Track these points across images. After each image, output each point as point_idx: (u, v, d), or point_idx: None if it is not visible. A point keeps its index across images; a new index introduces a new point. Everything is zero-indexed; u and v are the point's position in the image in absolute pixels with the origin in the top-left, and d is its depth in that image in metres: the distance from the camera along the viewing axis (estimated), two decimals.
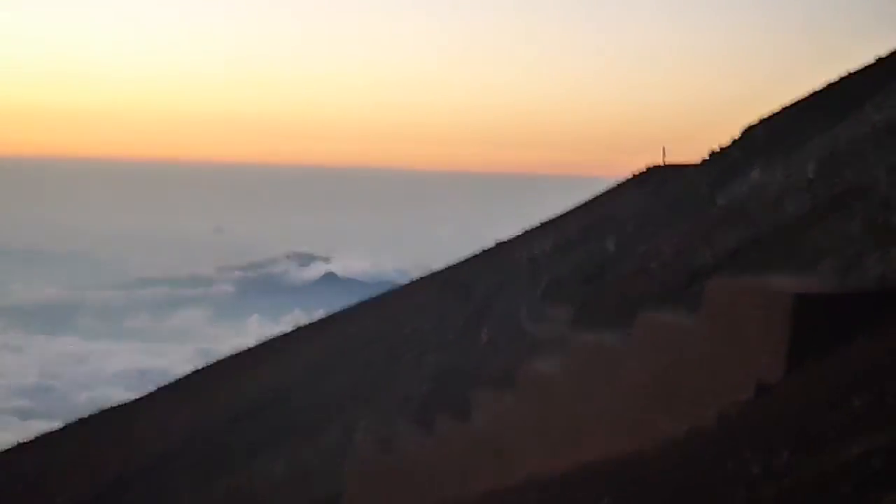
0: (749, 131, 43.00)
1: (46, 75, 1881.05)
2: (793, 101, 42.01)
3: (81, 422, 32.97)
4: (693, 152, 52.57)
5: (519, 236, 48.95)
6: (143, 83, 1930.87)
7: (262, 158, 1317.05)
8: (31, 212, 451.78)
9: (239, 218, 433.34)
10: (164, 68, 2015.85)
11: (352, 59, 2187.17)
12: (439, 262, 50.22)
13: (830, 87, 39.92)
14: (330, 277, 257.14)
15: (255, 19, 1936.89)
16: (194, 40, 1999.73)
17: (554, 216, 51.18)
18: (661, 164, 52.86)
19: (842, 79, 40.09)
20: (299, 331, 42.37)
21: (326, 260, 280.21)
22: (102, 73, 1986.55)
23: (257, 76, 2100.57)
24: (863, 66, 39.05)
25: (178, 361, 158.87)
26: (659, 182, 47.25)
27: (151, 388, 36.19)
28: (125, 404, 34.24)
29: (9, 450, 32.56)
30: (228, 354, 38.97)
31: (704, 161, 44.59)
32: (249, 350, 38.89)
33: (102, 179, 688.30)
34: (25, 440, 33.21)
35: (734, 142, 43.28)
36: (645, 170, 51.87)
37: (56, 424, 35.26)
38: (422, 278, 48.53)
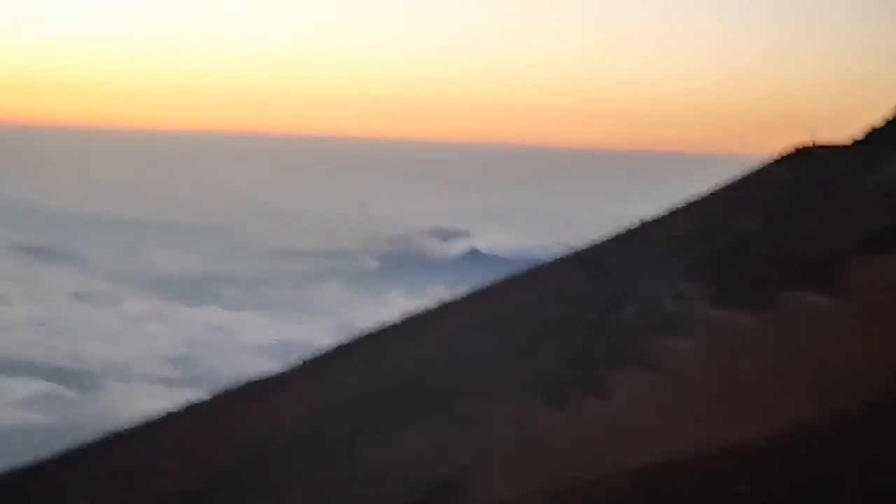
0: None
1: (201, 53, 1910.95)
2: None
3: (225, 392, 33.64)
4: (841, 133, 51.60)
5: (661, 215, 48.54)
6: (301, 62, 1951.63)
7: (408, 135, 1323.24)
8: (179, 185, 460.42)
9: (384, 194, 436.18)
10: (328, 47, 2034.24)
11: (500, 39, 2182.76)
12: (581, 239, 50.07)
13: None
14: (473, 254, 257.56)
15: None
16: (350, 18, 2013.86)
17: (697, 195, 50.64)
18: (810, 144, 51.92)
19: None
20: (441, 307, 42.64)
21: (469, 236, 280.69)
22: (258, 52, 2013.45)
23: (411, 55, 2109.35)
24: None
25: (320, 334, 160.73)
26: (806, 163, 46.45)
27: (292, 359, 36.75)
28: (267, 376, 34.86)
29: (158, 418, 33.34)
30: (369, 329, 39.40)
31: (854, 143, 43.70)
32: (390, 325, 39.24)
33: (250, 154, 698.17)
34: (173, 408, 33.99)
35: (886, 124, 42.34)
36: (793, 150, 50.99)
37: (200, 393, 36.06)
38: (563, 256, 48.38)
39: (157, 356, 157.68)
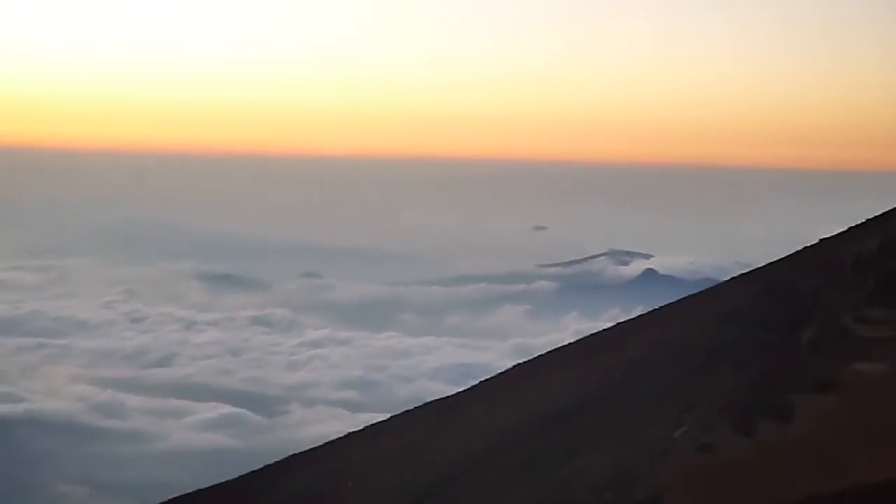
0: None
1: (370, 80, 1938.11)
2: None
3: (406, 415, 33.89)
4: None
5: (842, 234, 47.40)
6: (466, 84, 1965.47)
7: (576, 156, 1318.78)
8: (355, 210, 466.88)
9: (558, 216, 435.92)
10: (493, 69, 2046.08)
11: (633, 57, 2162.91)
12: (758, 259, 49.30)
13: None
14: (649, 274, 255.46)
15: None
16: (511, 39, 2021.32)
17: (880, 213, 49.32)
18: None
19: None
20: (618, 328, 42.33)
21: (646, 257, 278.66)
22: (421, 76, 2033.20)
23: (576, 76, 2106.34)
24: None
25: (498, 357, 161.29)
26: None
27: (471, 383, 36.90)
28: (447, 398, 35.00)
29: (340, 439, 33.75)
30: (547, 351, 39.31)
31: None
32: (568, 347, 39.11)
33: (436, 179, 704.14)
34: (355, 430, 34.35)
35: None
36: None
37: (381, 417, 36.37)
38: (741, 276, 47.63)
39: (338, 381, 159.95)
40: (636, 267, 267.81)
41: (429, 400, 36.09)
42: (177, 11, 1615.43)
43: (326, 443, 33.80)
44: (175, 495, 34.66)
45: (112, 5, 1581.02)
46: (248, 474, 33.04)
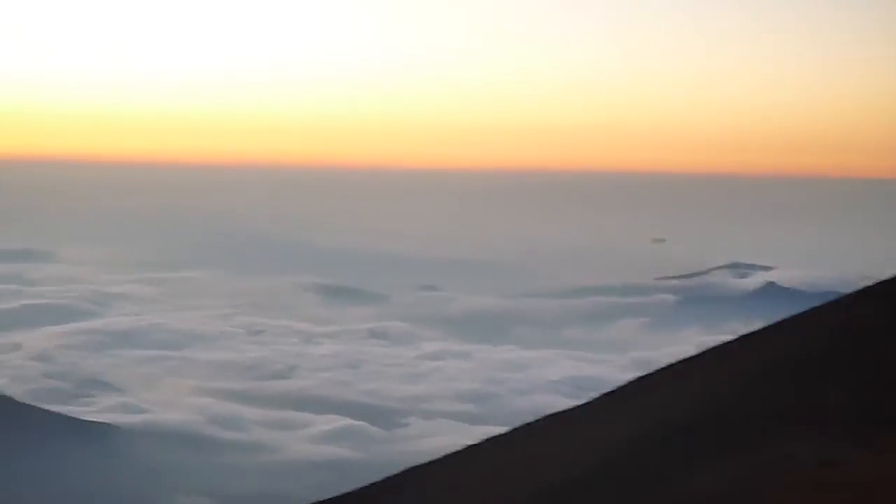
0: None
1: (485, 92, 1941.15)
2: None
3: (523, 428, 33.77)
4: None
5: None
6: (578, 96, 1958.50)
7: (693, 167, 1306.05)
8: (470, 223, 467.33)
9: (677, 228, 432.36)
10: (603, 82, 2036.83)
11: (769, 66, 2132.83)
12: (882, 272, 48.50)
13: None
14: (770, 288, 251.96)
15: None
16: (619, 51, 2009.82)
17: None
18: None
19: None
20: (738, 341, 41.82)
21: (766, 269, 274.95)
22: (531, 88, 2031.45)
23: (662, 85, 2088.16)
24: None
25: (615, 370, 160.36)
26: None
27: (589, 396, 36.74)
28: (564, 412, 34.86)
29: (458, 452, 33.73)
30: (666, 364, 38.98)
31: None
32: (687, 360, 38.73)
33: (550, 191, 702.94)
34: (473, 443, 34.34)
35: None
36: None
37: (499, 429, 36.35)
38: (864, 289, 46.75)
39: (455, 393, 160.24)
40: (756, 279, 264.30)
41: (546, 413, 35.97)
42: (284, 25, 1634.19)
43: (444, 456, 33.84)
44: None
45: (224, 23, 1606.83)
46: (366, 487, 33.17)
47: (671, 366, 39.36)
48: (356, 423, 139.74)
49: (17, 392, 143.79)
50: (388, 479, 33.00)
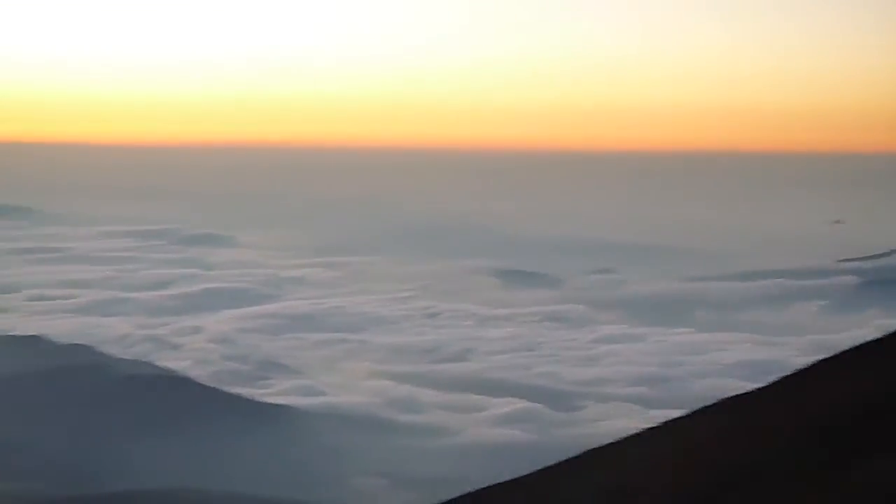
0: None
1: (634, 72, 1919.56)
2: None
3: (700, 412, 33.38)
4: None
5: None
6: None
7: (864, 147, 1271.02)
8: (641, 206, 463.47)
9: (857, 209, 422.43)
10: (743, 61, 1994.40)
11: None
12: None
13: None
14: None
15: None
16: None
17: None
18: None
19: None
20: None
21: None
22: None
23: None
24: None
25: (794, 354, 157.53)
26: None
27: (767, 380, 36.09)
28: (742, 395, 34.34)
29: (634, 435, 33.54)
30: (848, 348, 38.15)
31: None
32: (870, 344, 37.80)
33: (715, 173, 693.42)
34: (649, 426, 34.09)
35: None
36: None
37: (676, 413, 35.97)
38: None
39: (632, 376, 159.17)
40: None
41: (722, 397, 35.50)
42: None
43: (621, 439, 33.62)
44: (471, 489, 35.17)
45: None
46: (543, 469, 33.17)
47: (854, 350, 38.43)
48: (532, 405, 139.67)
49: (199, 374, 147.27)
50: (566, 461, 32.94)
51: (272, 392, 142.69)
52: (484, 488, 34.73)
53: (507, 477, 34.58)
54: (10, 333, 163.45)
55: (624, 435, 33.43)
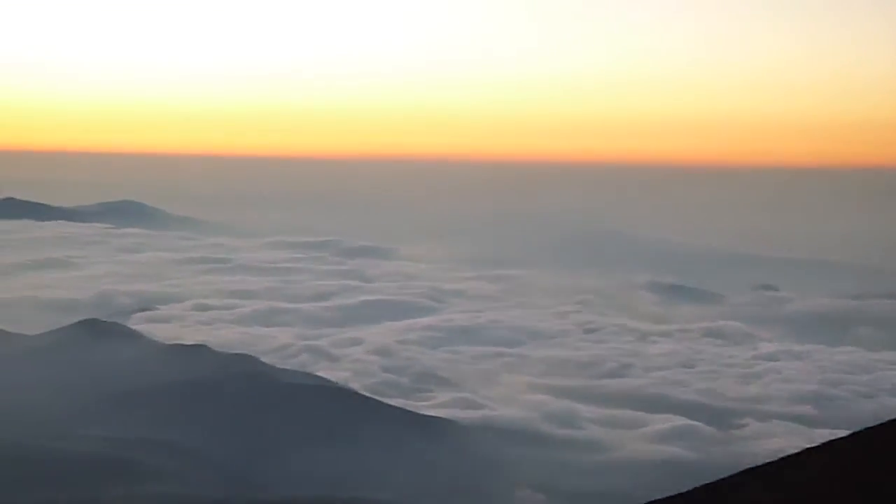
0: None
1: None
2: None
3: (864, 433, 32.77)
4: None
5: None
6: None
7: None
8: (799, 220, 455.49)
9: None
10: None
11: None
12: None
13: None
14: None
15: None
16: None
17: None
18: None
19: None
20: None
21: None
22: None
23: None
24: None
25: None
26: None
27: None
28: None
29: (796, 455, 33.08)
30: None
31: None
32: None
33: (870, 188, 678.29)
34: (811, 446, 33.58)
35: None
36: None
37: (840, 433, 35.36)
38: None
39: (793, 395, 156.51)
40: None
41: (891, 418, 34.72)
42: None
43: (781, 458, 33.19)
44: None
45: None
46: (702, 487, 32.93)
47: None
48: (691, 423, 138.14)
49: (359, 385, 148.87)
50: (725, 479, 32.63)
51: (431, 404, 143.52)
52: None
53: (665, 493, 34.40)
54: (178, 342, 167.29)
55: (784, 454, 32.98)
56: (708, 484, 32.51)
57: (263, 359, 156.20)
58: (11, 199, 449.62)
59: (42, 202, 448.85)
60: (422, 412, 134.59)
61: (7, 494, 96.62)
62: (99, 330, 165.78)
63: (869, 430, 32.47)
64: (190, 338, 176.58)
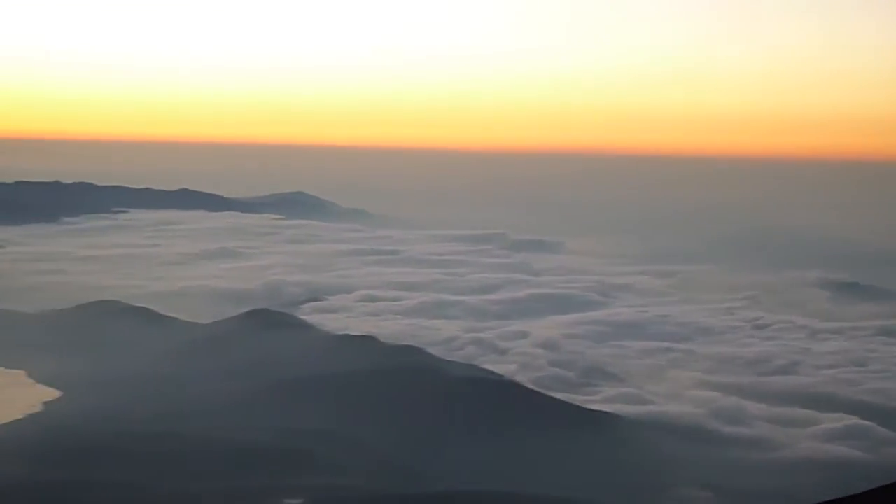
0: None
1: None
2: None
3: None
4: None
5: None
6: None
7: None
8: None
9: None
10: None
11: None
12: None
13: None
14: None
15: None
16: None
17: None
18: None
19: None
20: None
21: None
22: None
23: None
24: None
25: None
26: None
27: None
28: None
29: None
30: None
31: None
32: None
33: None
34: None
35: None
36: None
37: None
38: None
39: None
40: None
41: None
42: None
43: None
44: None
45: None
46: (878, 489, 32.22)
47: None
48: (863, 422, 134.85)
49: (524, 379, 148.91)
50: None
51: (597, 399, 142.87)
52: None
53: (836, 494, 33.72)
54: (346, 333, 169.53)
55: None
56: (885, 486, 31.79)
57: (430, 351, 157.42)
58: (186, 189, 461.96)
59: (215, 193, 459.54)
60: (588, 406, 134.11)
61: (190, 483, 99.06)
62: (269, 320, 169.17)
63: None
64: (357, 329, 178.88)
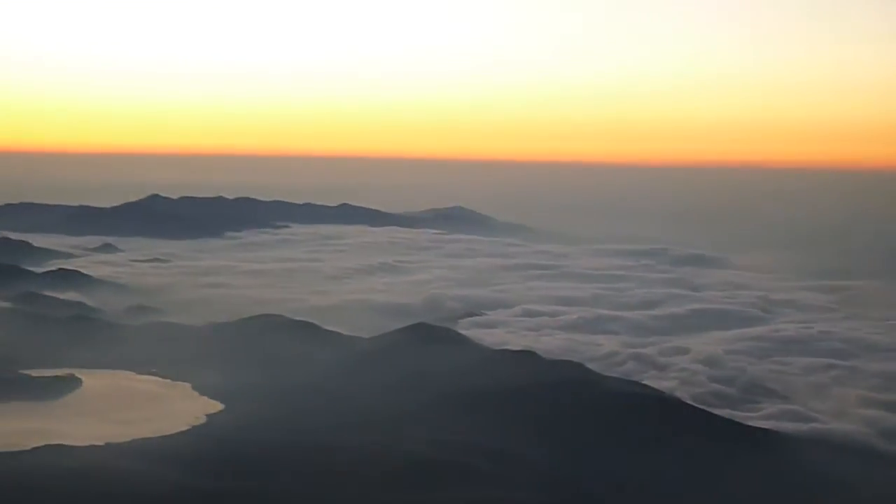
0: None
1: None
2: None
3: None
4: None
5: None
6: None
7: None
8: None
9: None
10: None
11: None
12: None
13: None
14: None
15: None
16: None
17: None
18: None
19: None
20: None
21: None
22: None
23: None
24: None
25: None
26: None
27: None
28: None
29: None
30: None
31: None
32: None
33: None
34: None
35: None
36: None
37: None
38: None
39: None
40: None
41: None
42: None
43: None
44: None
45: None
46: None
47: None
48: None
49: (685, 395, 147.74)
50: None
51: (759, 416, 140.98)
52: None
53: None
54: (505, 347, 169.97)
55: None
56: None
57: (589, 366, 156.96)
58: (347, 204, 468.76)
59: (376, 208, 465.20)
60: (750, 423, 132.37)
61: (358, 496, 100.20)
62: (429, 334, 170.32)
63: None
64: (517, 343, 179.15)
